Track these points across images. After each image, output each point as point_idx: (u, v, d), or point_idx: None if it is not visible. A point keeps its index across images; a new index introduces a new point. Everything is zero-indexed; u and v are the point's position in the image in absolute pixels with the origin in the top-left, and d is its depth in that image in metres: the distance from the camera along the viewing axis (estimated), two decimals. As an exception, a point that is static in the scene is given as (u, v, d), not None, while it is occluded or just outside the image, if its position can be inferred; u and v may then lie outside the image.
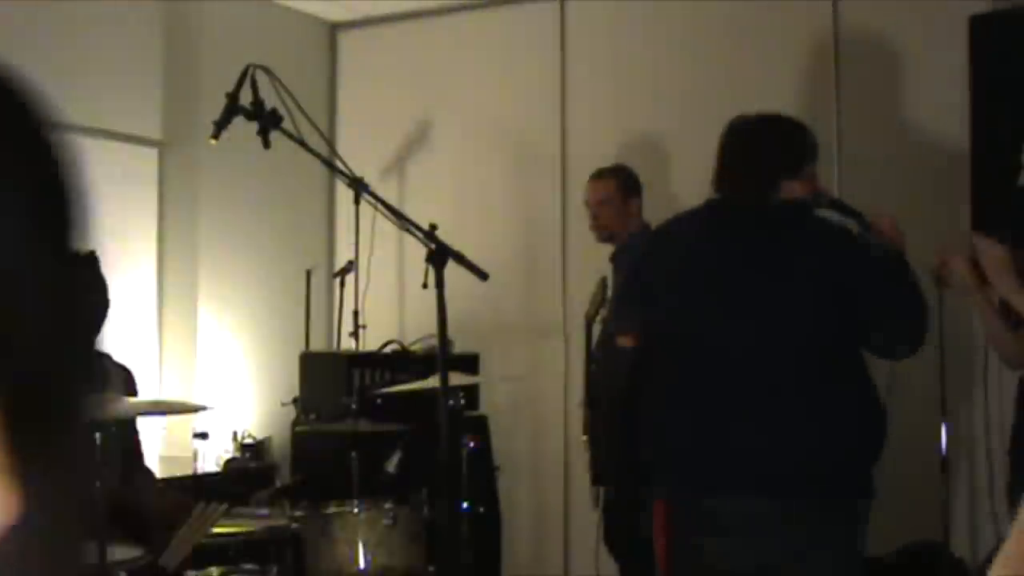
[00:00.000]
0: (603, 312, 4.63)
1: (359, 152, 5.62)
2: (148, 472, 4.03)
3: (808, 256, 2.84)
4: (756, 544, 2.82)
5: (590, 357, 4.64)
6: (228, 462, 5.37)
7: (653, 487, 3.10)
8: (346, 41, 6.53)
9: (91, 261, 3.98)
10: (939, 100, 4.84)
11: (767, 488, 2.80)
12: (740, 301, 2.88)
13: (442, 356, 2.95)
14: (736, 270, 2.90)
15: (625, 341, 3.39)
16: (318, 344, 6.06)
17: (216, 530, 3.44)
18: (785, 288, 2.83)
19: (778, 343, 2.83)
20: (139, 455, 4.07)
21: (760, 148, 2.99)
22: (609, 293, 4.65)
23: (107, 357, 4.05)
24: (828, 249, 2.85)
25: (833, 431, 2.83)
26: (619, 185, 4.61)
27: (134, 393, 4.12)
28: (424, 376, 4.16)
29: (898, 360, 3.15)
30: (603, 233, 4.67)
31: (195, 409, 4.37)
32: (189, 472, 5.10)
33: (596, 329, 4.68)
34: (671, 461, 3.00)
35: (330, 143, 4.09)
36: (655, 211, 4.66)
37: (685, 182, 5.46)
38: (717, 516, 2.86)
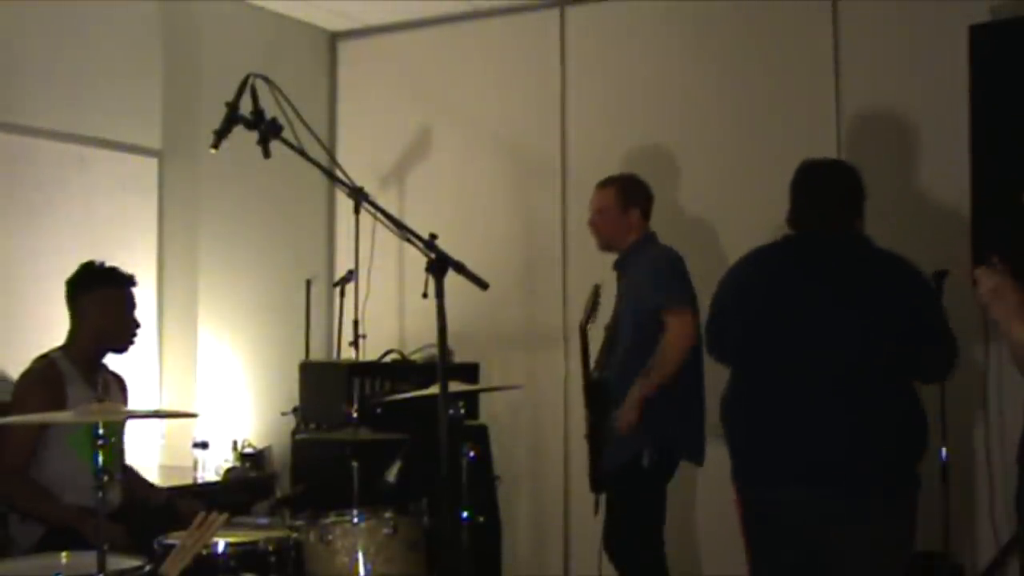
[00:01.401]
0: (595, 318, 4.65)
1: (359, 161, 5.63)
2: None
3: (877, 281, 3.34)
4: (821, 527, 3.29)
5: (589, 362, 4.65)
6: (228, 471, 5.37)
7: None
8: (346, 50, 6.54)
9: (131, 281, 4.06)
10: (939, 107, 4.84)
11: (828, 480, 3.25)
12: (820, 321, 3.33)
13: (442, 365, 2.94)
14: (817, 294, 3.36)
15: None
16: (318, 353, 6.06)
17: (216, 539, 3.44)
18: (854, 310, 3.30)
19: (842, 357, 3.29)
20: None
21: (845, 190, 3.50)
22: (601, 299, 4.66)
23: (104, 367, 4.08)
24: (893, 278, 3.35)
25: (886, 431, 3.27)
26: (617, 195, 4.60)
27: (126, 401, 4.21)
28: (424, 385, 4.16)
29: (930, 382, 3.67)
30: (601, 241, 4.67)
31: (186, 415, 4.39)
32: (189, 481, 5.10)
33: (593, 335, 4.68)
34: (751, 460, 3.45)
35: (330, 152, 4.09)
36: (654, 219, 4.66)
37: (685, 190, 5.47)
38: (793, 506, 3.32)
